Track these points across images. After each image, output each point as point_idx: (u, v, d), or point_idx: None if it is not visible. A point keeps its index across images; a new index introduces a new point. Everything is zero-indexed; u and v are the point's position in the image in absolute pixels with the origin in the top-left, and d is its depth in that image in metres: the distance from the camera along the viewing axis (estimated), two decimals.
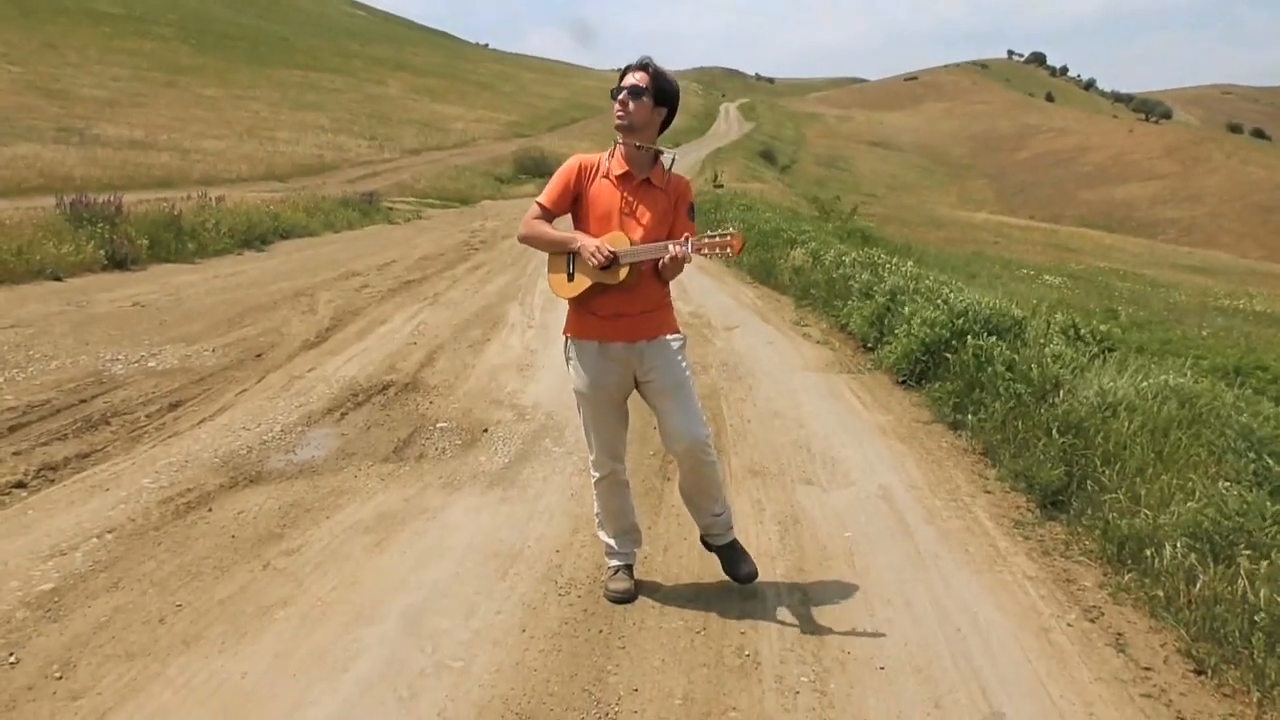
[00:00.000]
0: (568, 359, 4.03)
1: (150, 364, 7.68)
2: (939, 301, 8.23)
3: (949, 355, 7.29)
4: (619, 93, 3.79)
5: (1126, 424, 5.29)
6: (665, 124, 3.89)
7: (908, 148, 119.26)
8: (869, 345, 9.14)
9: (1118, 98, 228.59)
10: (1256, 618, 3.40)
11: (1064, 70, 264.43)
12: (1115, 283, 28.88)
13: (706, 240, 3.62)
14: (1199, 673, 3.45)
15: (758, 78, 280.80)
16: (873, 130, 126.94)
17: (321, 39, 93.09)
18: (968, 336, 7.21)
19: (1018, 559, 4.41)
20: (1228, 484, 4.30)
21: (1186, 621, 3.65)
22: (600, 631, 3.68)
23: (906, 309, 8.54)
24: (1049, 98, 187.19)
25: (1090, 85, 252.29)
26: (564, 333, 4.04)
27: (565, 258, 3.85)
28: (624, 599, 3.95)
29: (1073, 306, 13.40)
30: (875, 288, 9.65)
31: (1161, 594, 3.85)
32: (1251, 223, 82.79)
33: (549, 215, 3.91)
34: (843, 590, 4.06)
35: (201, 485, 5.19)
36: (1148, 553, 4.08)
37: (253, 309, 10.41)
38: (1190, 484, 4.49)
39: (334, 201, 22.27)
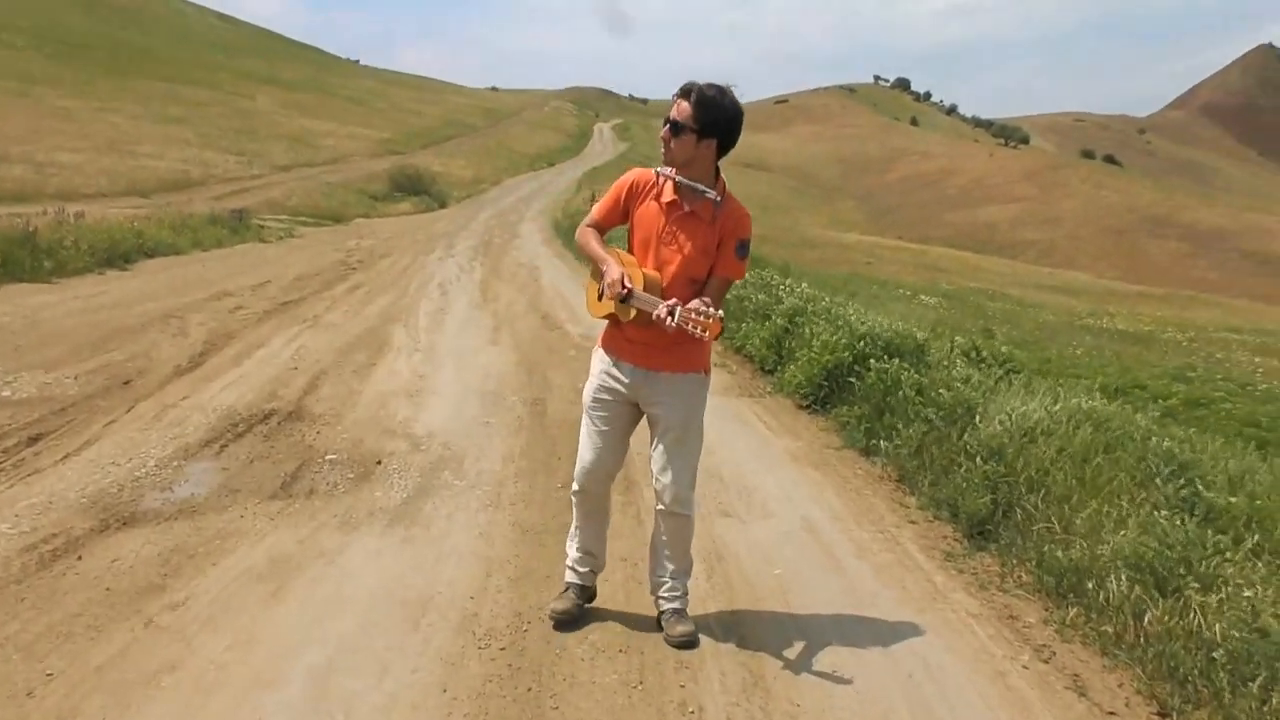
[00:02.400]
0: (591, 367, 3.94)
1: (4, 393, 7.08)
2: (839, 324, 8.13)
3: (853, 379, 7.17)
4: (665, 124, 3.61)
5: (1045, 449, 5.21)
6: (724, 151, 3.68)
7: (779, 169, 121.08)
8: (768, 368, 9.00)
9: (978, 123, 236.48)
10: (1215, 654, 3.29)
11: (928, 95, 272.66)
12: (986, 303, 29.61)
13: (692, 316, 3.39)
14: (1163, 715, 3.32)
15: (631, 98, 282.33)
16: (745, 152, 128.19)
17: (185, 51, 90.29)
18: (870, 360, 7.11)
19: (957, 595, 4.26)
20: (1165, 512, 4.21)
21: (1141, 659, 3.53)
22: (529, 689, 3.37)
23: (807, 331, 8.43)
24: (914, 122, 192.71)
25: (952, 110, 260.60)
26: (599, 343, 3.96)
27: (601, 275, 3.70)
28: (563, 619, 3.83)
29: (952, 327, 13.55)
30: (773, 309, 9.53)
31: (1110, 630, 3.73)
32: (1106, 244, 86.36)
33: (599, 227, 3.82)
34: (781, 634, 3.82)
35: (69, 529, 4.71)
36: (1090, 585, 3.96)
37: (118, 332, 9.77)
38: (1121, 512, 4.41)
39: (202, 218, 21.35)
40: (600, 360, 3.88)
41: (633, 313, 3.60)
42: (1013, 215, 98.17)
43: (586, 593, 4.00)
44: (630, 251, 3.76)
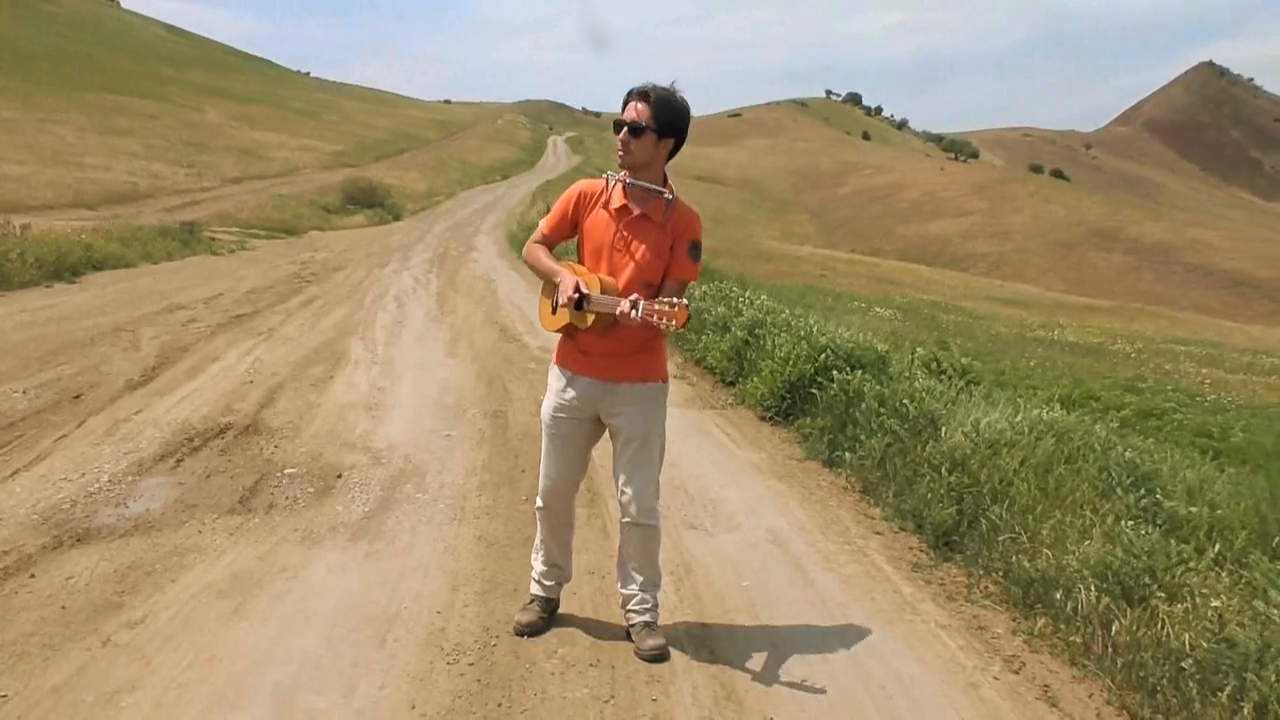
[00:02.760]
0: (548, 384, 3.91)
1: None
2: (800, 336, 8.15)
3: (815, 391, 7.18)
4: (620, 128, 3.60)
5: (1009, 460, 5.23)
6: (675, 151, 3.70)
7: (732, 182, 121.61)
8: (728, 380, 9.00)
9: (929, 137, 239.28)
10: (1184, 664, 3.30)
11: (879, 110, 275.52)
12: (940, 315, 29.86)
13: (656, 307, 3.37)
14: None
15: (585, 111, 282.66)
16: (698, 165, 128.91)
17: (133, 62, 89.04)
18: (833, 371, 7.12)
19: (925, 605, 4.25)
20: (1130, 522, 4.23)
21: (1110, 670, 3.54)
22: (499, 705, 3.31)
23: (768, 343, 8.43)
24: (865, 136, 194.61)
25: (903, 125, 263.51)
26: (553, 359, 3.94)
27: (554, 289, 3.68)
28: (527, 631, 3.83)
29: (908, 339, 13.64)
30: (732, 321, 9.53)
31: (1079, 640, 3.74)
32: (1053, 257, 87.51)
33: (548, 242, 3.81)
34: (752, 647, 3.79)
35: (20, 547, 4.60)
36: (1057, 596, 3.97)
37: (67, 346, 9.58)
38: (1085, 522, 4.43)
39: (151, 231, 21.05)
40: (557, 377, 3.85)
41: (590, 319, 3.56)
42: (963, 229, 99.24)
43: (551, 605, 4.00)
44: (581, 262, 3.75)
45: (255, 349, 10.26)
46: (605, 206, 3.69)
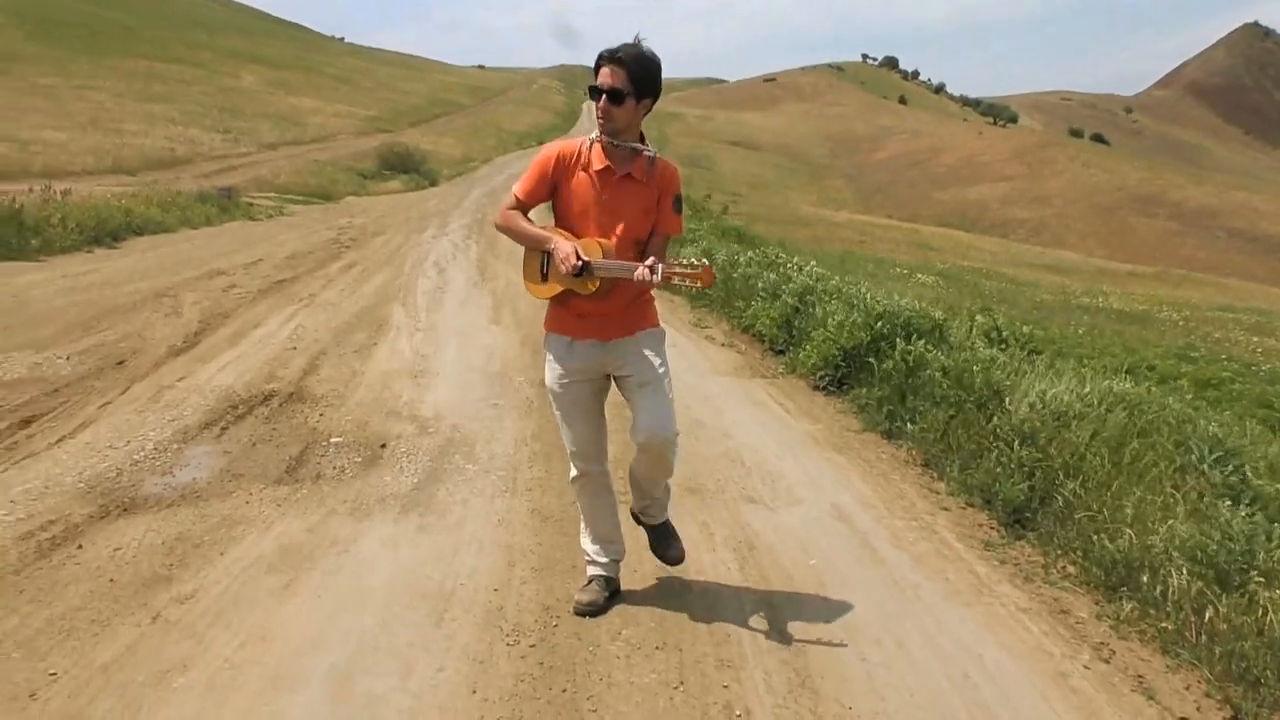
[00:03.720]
0: (546, 354, 3.85)
1: None
2: (856, 303, 7.93)
3: (872, 360, 6.97)
4: (598, 95, 3.51)
5: (1079, 434, 5.02)
6: (651, 107, 3.62)
7: (768, 147, 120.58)
8: (778, 348, 8.80)
9: (966, 102, 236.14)
10: None
11: (915, 74, 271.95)
12: (982, 281, 29.52)
13: (676, 269, 3.39)
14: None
15: None
16: (734, 130, 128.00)
17: (167, 29, 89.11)
18: (892, 340, 6.91)
19: (1002, 587, 4.05)
20: (1226, 502, 4.01)
21: (1207, 659, 3.33)
22: (564, 690, 3.17)
23: (819, 311, 8.23)
24: (902, 100, 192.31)
25: (940, 89, 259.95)
26: (543, 325, 3.87)
27: (540, 257, 3.69)
28: (588, 611, 3.72)
29: (956, 306, 13.37)
30: (783, 288, 9.32)
31: (1170, 626, 3.53)
32: (1094, 223, 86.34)
33: (524, 207, 3.73)
34: (823, 629, 3.62)
35: (67, 516, 4.51)
36: (1144, 579, 3.77)
37: (109, 311, 9.52)
38: (1167, 499, 4.23)
39: (190, 196, 21.03)
40: (555, 344, 3.80)
41: (594, 285, 3.52)
42: (1002, 194, 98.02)
43: (611, 584, 3.89)
44: (563, 225, 3.68)
45: (297, 315, 10.16)
46: (586, 169, 3.63)
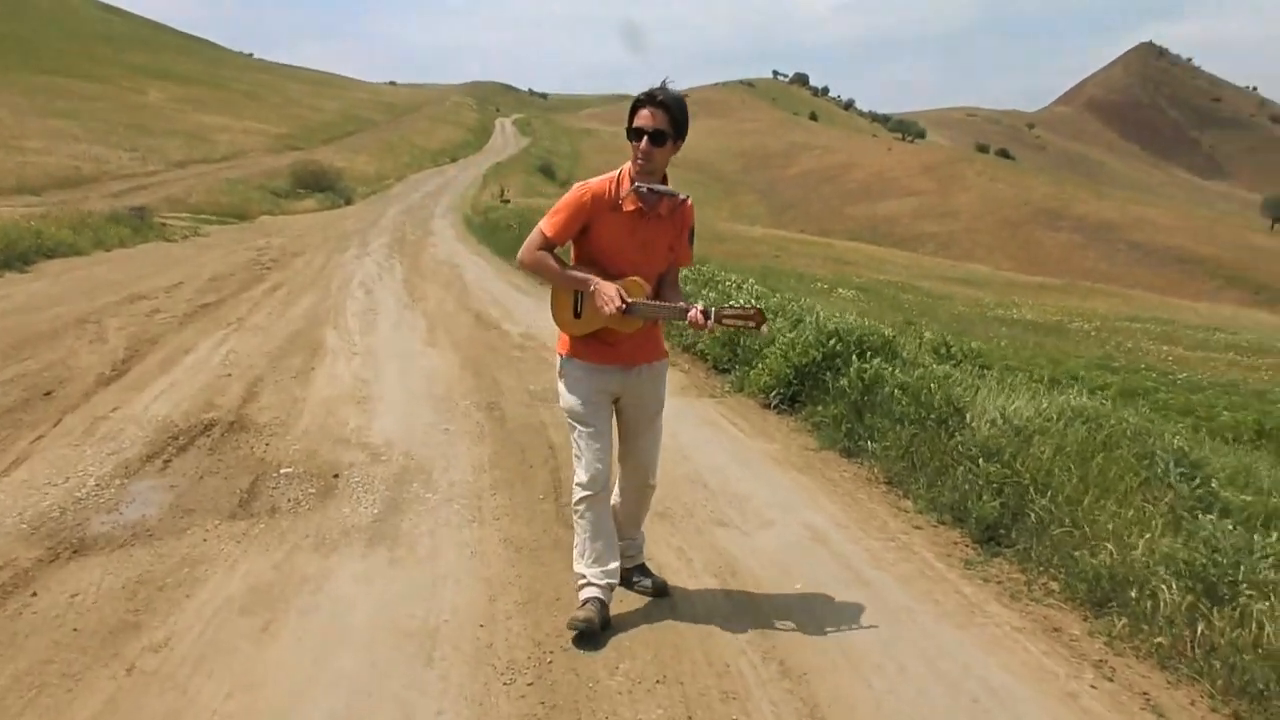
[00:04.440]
0: (560, 377, 3.92)
1: None
2: (804, 320, 7.96)
3: (826, 377, 6.99)
4: (639, 135, 3.63)
5: (1042, 449, 5.07)
6: (679, 148, 3.77)
7: (681, 163, 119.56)
8: (722, 367, 8.79)
9: (875, 118, 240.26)
10: None
11: (826, 90, 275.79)
12: (900, 295, 29.90)
13: (729, 312, 3.57)
14: None
15: (531, 93, 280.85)
16: None
17: (70, 43, 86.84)
18: (845, 357, 6.93)
19: (991, 606, 4.05)
20: (1207, 515, 4.06)
21: (1208, 674, 3.36)
22: None
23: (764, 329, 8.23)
24: (813, 117, 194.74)
25: (850, 105, 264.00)
26: (559, 351, 3.92)
27: (573, 295, 3.77)
28: (586, 628, 3.65)
29: (877, 320, 13.51)
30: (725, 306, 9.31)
31: (1164, 642, 3.56)
32: (1002, 236, 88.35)
33: (552, 246, 3.77)
34: (822, 656, 3.57)
35: (14, 561, 4.29)
36: (1132, 594, 3.79)
37: (30, 339, 9.17)
38: (1144, 513, 4.28)
39: (101, 217, 20.38)
40: (580, 368, 3.84)
41: (638, 324, 3.67)
42: (912, 209, 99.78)
43: (606, 607, 3.83)
44: (591, 261, 3.76)
45: (227, 339, 9.90)
46: (617, 209, 3.69)
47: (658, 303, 3.65)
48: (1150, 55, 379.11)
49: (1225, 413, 10.44)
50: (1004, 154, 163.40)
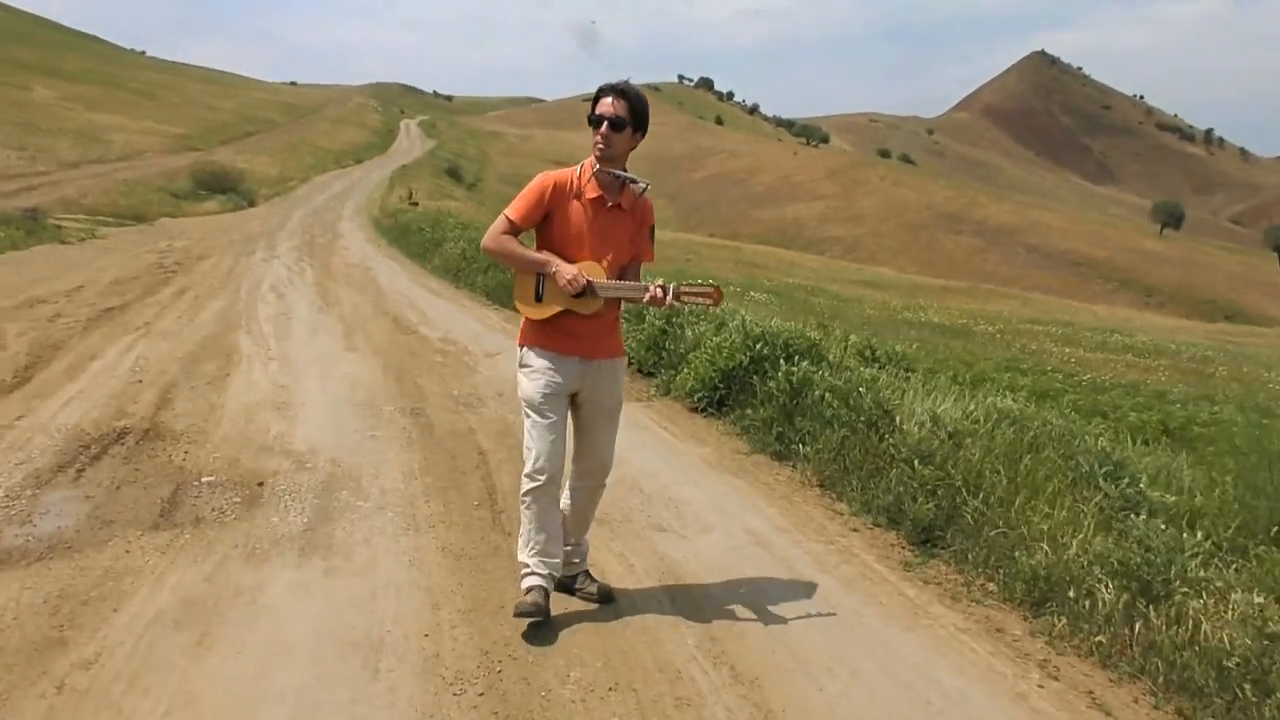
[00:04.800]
0: (520, 366, 3.97)
1: None
2: (728, 324, 7.98)
3: (753, 381, 7.02)
4: (599, 123, 3.77)
5: (973, 451, 5.14)
6: (639, 142, 3.91)
7: None
8: (645, 370, 8.78)
9: (779, 122, 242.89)
10: (1228, 663, 3.21)
11: (731, 95, 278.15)
12: (810, 298, 30.23)
13: (686, 289, 3.67)
14: None
15: (436, 95, 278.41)
16: (555, 149, 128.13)
17: None
18: (774, 361, 6.96)
19: (935, 608, 4.08)
20: (1143, 516, 4.14)
21: (1149, 671, 3.43)
22: None
23: (688, 333, 8.25)
24: (719, 121, 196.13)
25: (754, 110, 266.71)
26: (519, 342, 4.00)
27: (534, 278, 3.83)
28: (533, 613, 3.73)
29: (797, 323, 13.62)
30: (645, 310, 9.30)
31: (1104, 640, 3.62)
32: (905, 240, 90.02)
33: (516, 230, 3.85)
34: (773, 659, 3.57)
35: None
36: (1070, 594, 3.86)
37: None
38: (1076, 514, 4.36)
39: None
40: (539, 357, 3.89)
41: (597, 305, 3.71)
42: (818, 212, 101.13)
43: (549, 595, 3.89)
44: (553, 250, 3.81)
45: (135, 345, 9.60)
46: (579, 197, 3.81)
47: (616, 282, 3.72)
48: (1043, 64, 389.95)
49: (1132, 413, 10.72)
50: (906, 159, 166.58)
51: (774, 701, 3.27)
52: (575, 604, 4.02)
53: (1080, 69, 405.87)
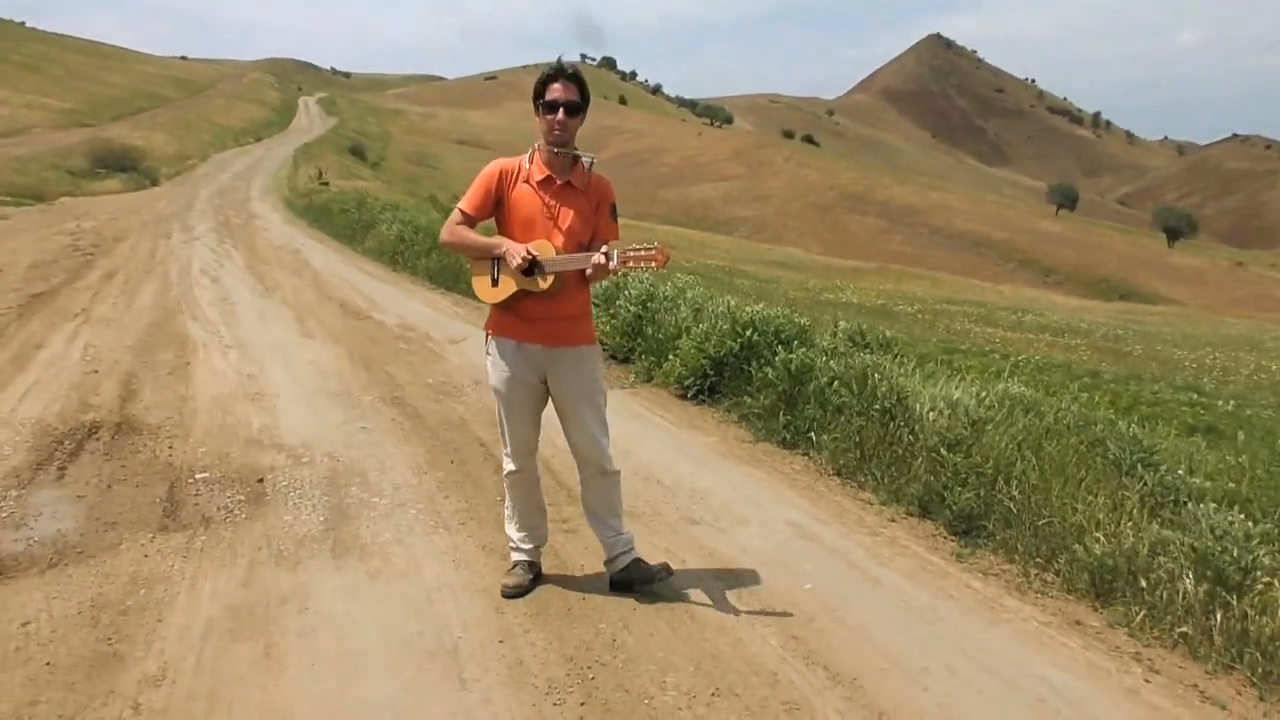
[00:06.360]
0: (486, 354, 4.02)
1: None
2: (708, 310, 7.90)
3: (747, 368, 6.95)
4: (553, 108, 3.76)
5: (996, 438, 5.14)
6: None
7: (493, 146, 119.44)
8: (621, 358, 8.66)
9: (682, 103, 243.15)
10: None
11: (634, 75, 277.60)
12: (731, 279, 30.32)
13: (631, 253, 3.61)
14: None
15: (334, 72, 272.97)
16: (458, 128, 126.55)
17: None
18: (767, 348, 6.89)
19: (1008, 600, 4.01)
20: (1214, 506, 4.14)
21: (1243, 663, 3.41)
22: None
23: (670, 320, 8.14)
24: (622, 100, 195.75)
25: (658, 90, 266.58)
26: (485, 328, 4.03)
27: (490, 262, 3.84)
28: (516, 594, 3.95)
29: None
30: (619, 294, 9.17)
31: (1189, 631, 3.60)
32: (811, 220, 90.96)
33: (471, 220, 3.91)
34: (865, 660, 3.48)
35: None
36: (1143, 584, 3.85)
37: None
38: (1123, 502, 4.37)
39: None
40: (500, 346, 3.93)
41: (545, 283, 3.69)
42: (724, 193, 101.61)
43: (535, 567, 4.13)
44: (508, 235, 3.84)
45: (80, 333, 9.22)
46: (527, 180, 3.84)
47: (563, 255, 3.69)
48: (939, 46, 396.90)
49: (1083, 394, 10.90)
50: (809, 140, 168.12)
51: (882, 703, 3.19)
52: (644, 603, 3.89)
53: (975, 52, 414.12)
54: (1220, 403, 13.04)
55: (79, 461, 5.62)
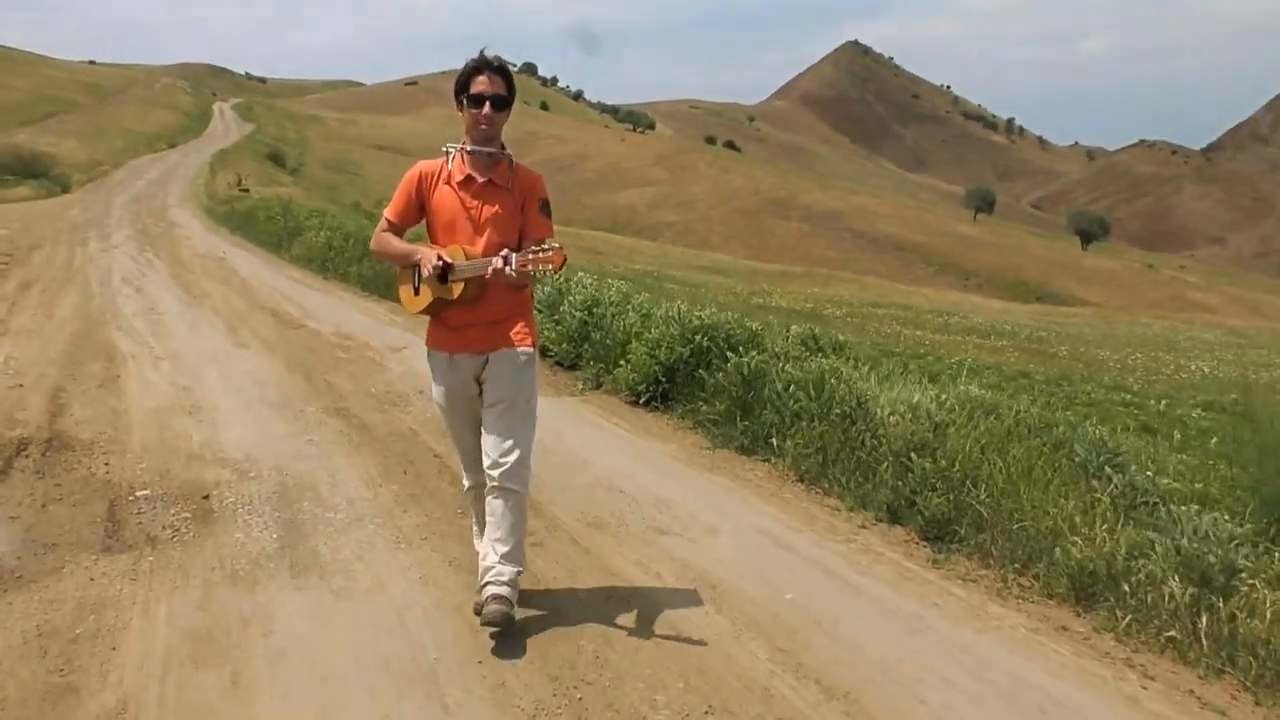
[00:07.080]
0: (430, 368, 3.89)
1: None
2: (656, 316, 7.80)
3: (699, 374, 6.86)
4: (479, 102, 3.61)
5: (959, 442, 5.10)
6: None
7: (414, 152, 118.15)
8: (567, 364, 8.52)
9: (604, 109, 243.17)
10: None
11: (555, 80, 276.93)
12: (661, 285, 30.26)
13: (530, 255, 3.40)
14: None
15: (248, 76, 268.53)
16: (377, 134, 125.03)
17: None
18: (720, 353, 6.81)
19: (992, 607, 3.95)
20: (1195, 507, 4.13)
21: (1235, 666, 3.38)
22: None
23: (618, 326, 8.02)
24: (544, 106, 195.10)
25: (579, 96, 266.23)
26: (426, 343, 3.88)
27: (411, 271, 3.74)
28: (500, 621, 3.54)
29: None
30: (563, 300, 9.04)
31: (1176, 635, 3.57)
32: (736, 225, 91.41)
33: (397, 229, 3.81)
34: (857, 672, 3.39)
35: None
36: (1125, 587, 3.81)
37: None
38: (1095, 505, 4.35)
39: None
40: (436, 362, 3.83)
41: (458, 289, 3.57)
42: (649, 199, 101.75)
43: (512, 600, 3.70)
44: (435, 242, 3.74)
45: None
46: (448, 182, 3.71)
47: (468, 262, 3.53)
48: (857, 53, 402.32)
49: (1023, 395, 11.00)
50: (731, 145, 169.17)
51: (882, 716, 3.10)
52: (624, 618, 3.76)
53: (891, 59, 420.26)
54: (1151, 402, 13.26)
55: (9, 480, 5.35)
